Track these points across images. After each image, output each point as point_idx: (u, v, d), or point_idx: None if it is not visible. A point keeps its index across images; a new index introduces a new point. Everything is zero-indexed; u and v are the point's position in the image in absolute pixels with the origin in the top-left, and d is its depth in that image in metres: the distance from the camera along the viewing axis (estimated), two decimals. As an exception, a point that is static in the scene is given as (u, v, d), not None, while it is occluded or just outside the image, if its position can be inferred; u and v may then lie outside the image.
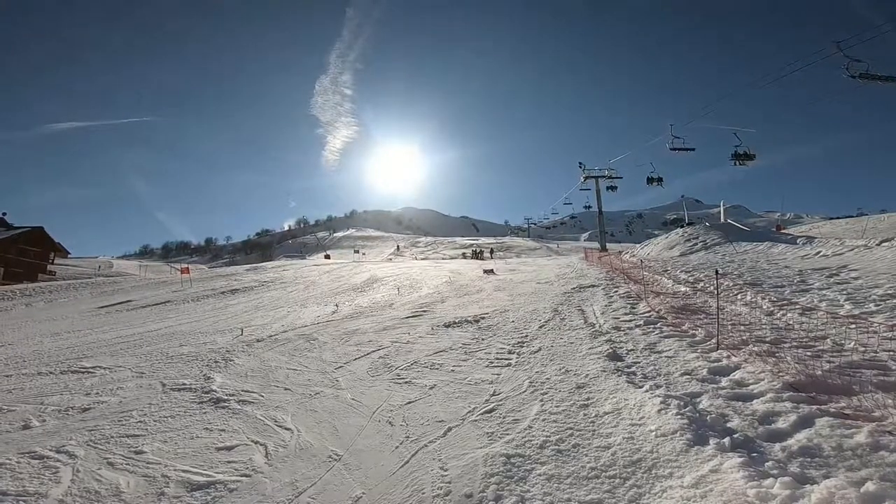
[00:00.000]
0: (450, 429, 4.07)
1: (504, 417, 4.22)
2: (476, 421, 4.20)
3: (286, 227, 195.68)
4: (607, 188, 31.26)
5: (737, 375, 4.58)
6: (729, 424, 3.61)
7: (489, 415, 4.31)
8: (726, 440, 3.29)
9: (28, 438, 4.34)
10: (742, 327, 6.10)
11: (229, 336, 8.90)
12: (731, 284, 8.86)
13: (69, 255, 42.79)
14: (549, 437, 3.74)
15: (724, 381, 4.49)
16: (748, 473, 2.84)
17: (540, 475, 3.20)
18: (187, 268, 25.12)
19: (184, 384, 5.79)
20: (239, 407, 4.92)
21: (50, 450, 4.02)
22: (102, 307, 15.63)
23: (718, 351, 5.35)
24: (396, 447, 3.82)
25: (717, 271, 6.78)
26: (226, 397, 5.21)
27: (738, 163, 22.84)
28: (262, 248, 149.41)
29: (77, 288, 21.94)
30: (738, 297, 8.02)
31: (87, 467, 3.68)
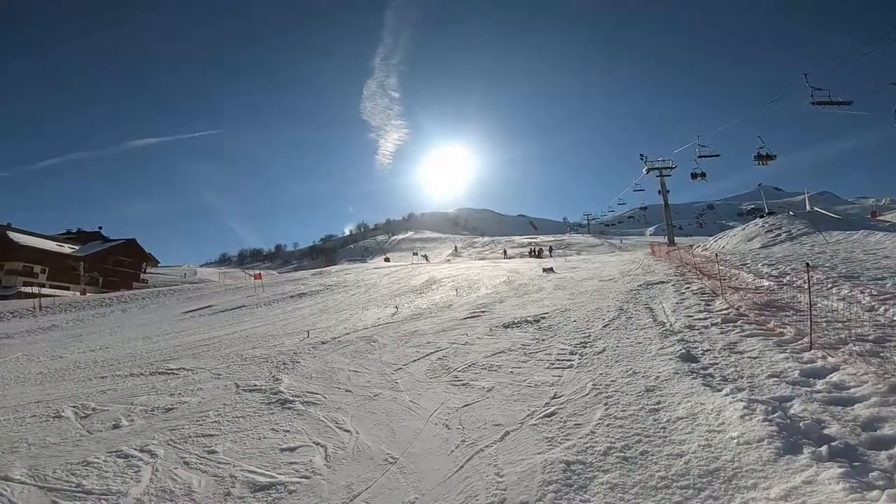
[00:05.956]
0: (507, 433, 3.93)
1: (565, 422, 4.02)
2: (535, 425, 4.03)
3: (347, 232, 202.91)
4: (692, 175, 28.74)
5: (834, 378, 4.10)
6: (826, 431, 3.24)
7: (549, 419, 4.13)
8: (823, 448, 2.93)
9: (117, 437, 4.66)
10: (839, 325, 5.46)
11: (296, 339, 9.28)
12: (824, 277, 7.97)
13: (158, 264, 47.10)
14: (614, 443, 3.50)
15: (820, 384, 4.03)
16: (850, 485, 2.51)
17: (602, 483, 2.99)
18: (259, 274, 26.79)
19: (255, 385, 6.08)
20: (303, 408, 5.07)
21: (135, 449, 4.28)
22: (187, 312, 16.96)
23: (812, 351, 4.82)
24: (452, 451, 3.75)
25: (807, 263, 6.13)
26: (292, 398, 5.39)
27: (760, 163, 24.50)
28: (327, 252, 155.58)
29: (166, 294, 24.04)
30: (833, 291, 7.19)
31: (165, 466, 3.89)
